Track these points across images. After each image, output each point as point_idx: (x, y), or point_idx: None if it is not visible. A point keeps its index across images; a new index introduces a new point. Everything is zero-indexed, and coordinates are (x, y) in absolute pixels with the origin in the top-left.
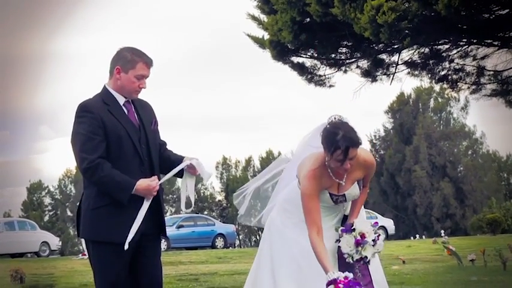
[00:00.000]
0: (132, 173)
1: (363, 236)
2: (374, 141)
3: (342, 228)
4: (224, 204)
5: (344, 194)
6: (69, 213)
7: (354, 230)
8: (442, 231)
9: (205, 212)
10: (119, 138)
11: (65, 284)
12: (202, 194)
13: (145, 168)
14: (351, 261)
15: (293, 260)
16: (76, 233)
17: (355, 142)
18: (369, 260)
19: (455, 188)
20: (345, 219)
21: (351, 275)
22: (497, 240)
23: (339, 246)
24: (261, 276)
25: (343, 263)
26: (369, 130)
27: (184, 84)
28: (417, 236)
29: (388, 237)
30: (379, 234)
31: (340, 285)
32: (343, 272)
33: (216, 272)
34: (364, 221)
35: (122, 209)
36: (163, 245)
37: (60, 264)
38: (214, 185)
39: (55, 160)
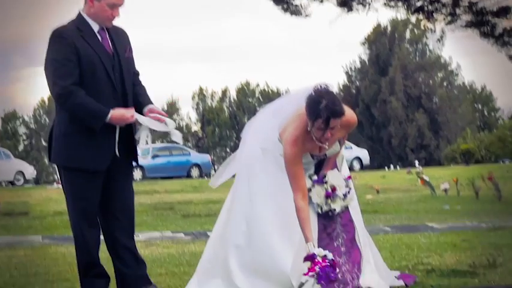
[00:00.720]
0: (105, 100)
1: (333, 189)
2: (350, 72)
3: (314, 178)
4: (200, 135)
5: (325, 154)
6: (43, 142)
7: (325, 182)
8: (417, 162)
9: (181, 142)
10: (92, 65)
11: (40, 212)
12: (178, 125)
13: (118, 96)
14: (320, 212)
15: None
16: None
17: (338, 113)
18: (338, 213)
19: (430, 119)
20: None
21: (330, 255)
22: (470, 171)
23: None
24: (235, 207)
25: (322, 221)
26: (345, 61)
27: (160, 14)
28: (391, 166)
29: (362, 167)
30: (351, 189)
31: (316, 267)
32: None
33: (191, 201)
34: (337, 174)
35: (94, 135)
36: (139, 174)
37: (34, 193)
38: (190, 116)
39: (29, 90)
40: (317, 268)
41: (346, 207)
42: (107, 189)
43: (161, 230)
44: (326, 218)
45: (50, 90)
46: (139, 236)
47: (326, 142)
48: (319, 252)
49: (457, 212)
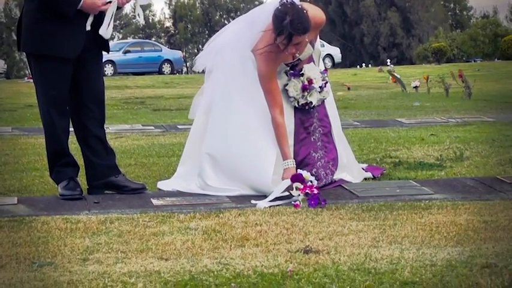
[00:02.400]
0: None
1: (310, 81)
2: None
3: (290, 72)
4: (172, 31)
5: (299, 58)
6: (14, 37)
7: (302, 75)
8: (388, 60)
9: (153, 39)
10: None
11: (10, 105)
12: (150, 21)
13: None
14: (296, 105)
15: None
16: (22, 56)
17: (300, 30)
18: (314, 106)
19: (402, 17)
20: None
21: (315, 182)
22: (441, 69)
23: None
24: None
25: (299, 116)
26: None
27: None
28: (363, 65)
29: (334, 65)
30: (327, 82)
31: (307, 190)
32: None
33: (162, 96)
34: (314, 67)
35: (65, 22)
36: (110, 70)
37: (5, 87)
38: (164, 11)
39: None
40: (308, 191)
41: (323, 101)
42: (77, 78)
43: (131, 123)
44: (303, 113)
45: None
46: (110, 129)
47: (293, 55)
48: (306, 175)
49: (426, 109)
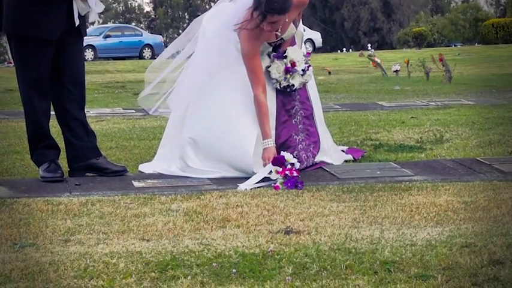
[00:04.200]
0: None
1: (293, 64)
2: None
3: (273, 54)
4: (152, 16)
5: (282, 38)
6: None
7: (285, 57)
8: (369, 45)
9: (133, 23)
10: None
11: None
12: (130, 6)
13: None
14: (278, 87)
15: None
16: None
17: (276, 10)
18: (296, 89)
19: (382, 2)
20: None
21: (297, 164)
22: (422, 54)
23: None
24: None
25: (281, 98)
26: None
27: None
28: (344, 49)
29: (315, 50)
30: (310, 65)
31: (287, 172)
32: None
33: (142, 80)
34: (297, 50)
35: (46, 4)
36: (90, 54)
37: None
38: None
39: None
40: (287, 173)
41: (304, 85)
42: (58, 60)
43: (112, 107)
44: (285, 95)
45: None
46: (90, 112)
47: (269, 32)
48: (288, 157)
49: (407, 92)
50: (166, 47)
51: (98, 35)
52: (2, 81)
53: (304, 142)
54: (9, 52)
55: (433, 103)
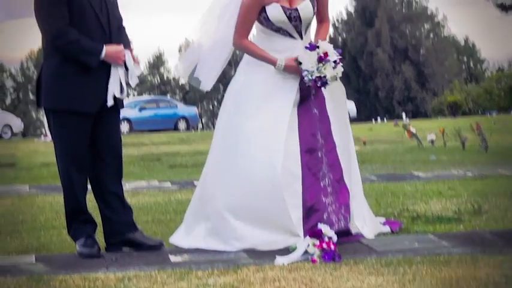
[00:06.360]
0: (96, 42)
1: (325, 54)
2: (336, 24)
3: (306, 45)
4: (187, 88)
5: (297, 9)
6: (31, 96)
7: (318, 47)
8: (404, 114)
9: (168, 95)
10: (81, 7)
11: (27, 164)
12: (165, 78)
13: (107, 38)
14: (310, 78)
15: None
16: (38, 115)
17: None
18: (327, 81)
19: (416, 71)
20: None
21: (335, 237)
22: (457, 123)
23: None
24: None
25: (306, 162)
26: (331, 13)
27: None
28: (379, 119)
29: (349, 120)
30: (341, 58)
31: (324, 245)
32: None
33: (178, 152)
34: (328, 44)
35: (85, 77)
36: (126, 127)
37: (22, 146)
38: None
39: (13, 43)
40: (325, 246)
41: (333, 147)
42: (95, 133)
43: (148, 180)
44: (310, 158)
45: (43, 33)
46: (126, 186)
47: None
48: (326, 230)
49: (443, 162)
50: (201, 118)
51: (133, 108)
52: (39, 155)
53: (333, 205)
54: (45, 126)
55: (470, 173)
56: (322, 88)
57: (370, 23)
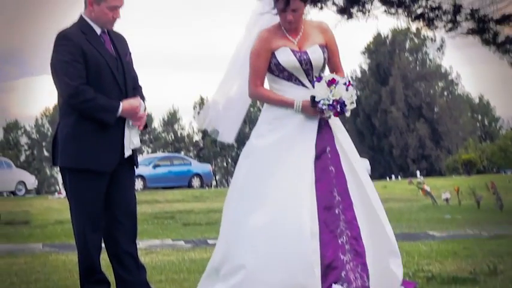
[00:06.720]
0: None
1: (333, 79)
2: (350, 81)
3: (313, 81)
4: (201, 145)
5: (306, 52)
6: (45, 152)
7: (323, 77)
8: (418, 172)
9: (182, 152)
10: (98, 67)
11: (41, 221)
12: (179, 135)
13: (123, 97)
14: (327, 104)
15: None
16: (52, 172)
17: None
18: (344, 102)
19: (431, 129)
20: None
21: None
22: (472, 181)
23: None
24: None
25: (323, 219)
26: (345, 71)
27: (159, 22)
28: (393, 176)
29: None
30: (350, 82)
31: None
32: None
33: (191, 210)
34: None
35: (100, 137)
36: (140, 184)
37: (36, 203)
38: (193, 125)
39: (28, 99)
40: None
41: (350, 205)
42: (110, 192)
43: (162, 238)
44: (327, 215)
45: (59, 91)
46: (140, 244)
47: (298, 32)
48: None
49: (458, 221)
50: (215, 175)
51: (147, 165)
52: (53, 213)
53: (351, 262)
54: (59, 182)
55: (485, 232)
56: (337, 146)
57: (384, 81)
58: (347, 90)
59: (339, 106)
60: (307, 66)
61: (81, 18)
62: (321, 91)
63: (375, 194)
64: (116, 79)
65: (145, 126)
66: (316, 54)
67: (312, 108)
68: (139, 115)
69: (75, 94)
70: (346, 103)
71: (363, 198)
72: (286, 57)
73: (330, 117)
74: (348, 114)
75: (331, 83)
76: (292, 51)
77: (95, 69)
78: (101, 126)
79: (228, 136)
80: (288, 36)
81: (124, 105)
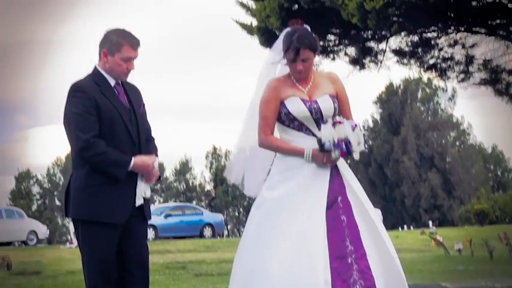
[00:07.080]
0: (125, 154)
1: (339, 120)
2: (362, 131)
3: (319, 124)
4: (213, 194)
5: (316, 101)
6: (57, 202)
7: (327, 120)
8: (430, 222)
9: (194, 202)
10: (111, 119)
11: (52, 272)
12: (191, 184)
13: (136, 150)
14: (333, 145)
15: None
16: (64, 221)
17: (307, 44)
18: (349, 141)
19: (443, 179)
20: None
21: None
22: (484, 231)
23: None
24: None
25: (335, 268)
26: (357, 120)
27: (171, 75)
28: (405, 226)
29: None
30: (357, 125)
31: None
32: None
33: (203, 260)
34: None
35: (112, 189)
36: (151, 234)
37: (47, 253)
38: (204, 175)
39: (40, 149)
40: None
41: (364, 254)
42: (123, 244)
43: None
44: (340, 265)
45: (71, 143)
46: None
47: (308, 82)
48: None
49: (471, 272)
50: (226, 225)
51: (159, 215)
52: (64, 263)
53: None
54: (71, 232)
55: (498, 284)
56: (349, 195)
57: (396, 131)
58: (353, 130)
59: (344, 144)
60: (317, 115)
61: (95, 70)
62: (326, 132)
63: (390, 242)
64: (129, 131)
65: (158, 178)
66: (326, 104)
67: (321, 153)
68: (152, 173)
69: (86, 147)
70: (352, 142)
71: (378, 247)
72: (296, 106)
73: (337, 158)
74: (356, 156)
75: (336, 123)
76: (302, 100)
77: (108, 122)
78: (112, 178)
79: (254, 190)
80: (297, 86)
81: (136, 160)
